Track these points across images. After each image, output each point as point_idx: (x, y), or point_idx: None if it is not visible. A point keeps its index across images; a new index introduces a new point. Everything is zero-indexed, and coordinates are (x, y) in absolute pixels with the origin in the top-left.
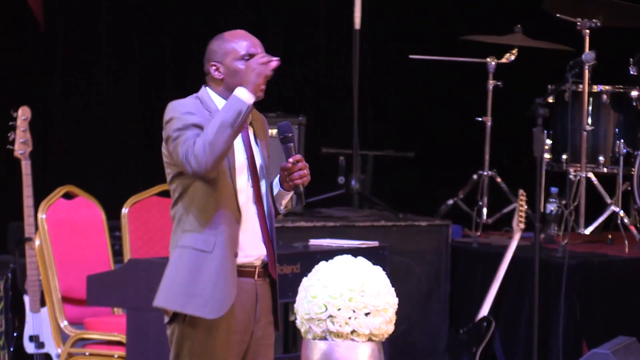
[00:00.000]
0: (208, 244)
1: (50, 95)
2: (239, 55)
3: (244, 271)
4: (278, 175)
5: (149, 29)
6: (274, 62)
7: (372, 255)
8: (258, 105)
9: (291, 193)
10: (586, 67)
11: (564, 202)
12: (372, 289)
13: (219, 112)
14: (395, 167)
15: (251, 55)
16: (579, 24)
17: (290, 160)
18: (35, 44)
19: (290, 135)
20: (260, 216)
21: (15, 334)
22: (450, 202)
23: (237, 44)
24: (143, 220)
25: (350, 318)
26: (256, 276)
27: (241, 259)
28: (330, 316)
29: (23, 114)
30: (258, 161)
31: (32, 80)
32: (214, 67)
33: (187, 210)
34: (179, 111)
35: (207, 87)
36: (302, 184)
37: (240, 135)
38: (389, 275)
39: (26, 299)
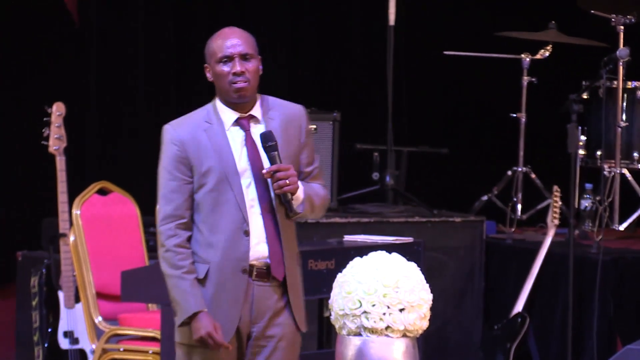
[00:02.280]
0: (201, 271)
1: (85, 91)
2: (217, 57)
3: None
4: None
5: (185, 25)
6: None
7: (406, 251)
8: (291, 99)
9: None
10: (620, 63)
11: (598, 198)
12: (407, 285)
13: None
14: (429, 163)
15: (229, 57)
16: (613, 20)
17: (264, 171)
18: (70, 41)
19: (272, 144)
20: (264, 217)
21: (49, 330)
22: (485, 198)
23: (218, 46)
24: None
25: (384, 314)
26: (254, 276)
27: (250, 259)
28: (365, 312)
29: (57, 110)
30: (266, 162)
31: (67, 76)
32: (206, 69)
33: (196, 224)
34: (163, 162)
35: (217, 97)
36: (288, 193)
37: (242, 138)
38: (423, 271)
39: (60, 294)
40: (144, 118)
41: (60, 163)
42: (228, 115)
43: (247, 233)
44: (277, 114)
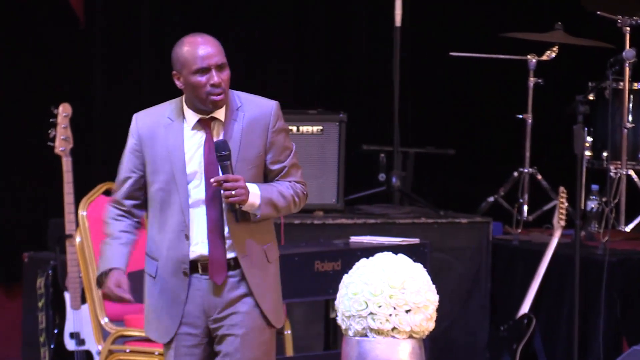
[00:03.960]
0: (152, 267)
1: (91, 92)
2: (193, 69)
3: (191, 267)
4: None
5: (192, 25)
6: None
7: (412, 253)
8: (297, 101)
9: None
10: (627, 64)
11: (604, 199)
12: (413, 286)
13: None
14: (436, 164)
15: (205, 69)
16: (619, 21)
17: (212, 180)
18: (75, 41)
19: (225, 153)
20: (209, 219)
21: (55, 331)
22: (491, 199)
23: (192, 56)
24: None
25: (390, 315)
26: (201, 272)
27: (190, 258)
28: (371, 313)
29: (64, 111)
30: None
31: (73, 77)
32: (175, 76)
33: (149, 220)
34: (125, 149)
35: (184, 98)
36: (236, 203)
37: (201, 139)
38: (430, 273)
39: (67, 295)
40: None
41: (67, 164)
42: (191, 115)
43: (187, 237)
44: (244, 114)
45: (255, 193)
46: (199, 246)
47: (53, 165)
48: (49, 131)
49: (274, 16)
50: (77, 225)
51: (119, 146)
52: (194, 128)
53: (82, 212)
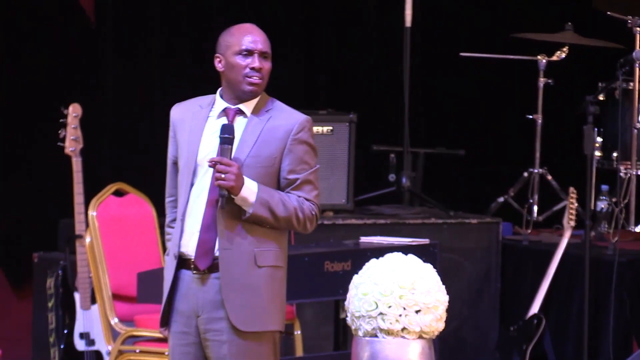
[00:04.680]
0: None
1: (101, 92)
2: (236, 49)
3: (184, 262)
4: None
5: (201, 23)
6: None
7: (422, 253)
8: (307, 101)
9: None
10: (637, 64)
11: (614, 199)
12: (423, 287)
13: None
14: (446, 165)
15: (249, 52)
16: (629, 21)
17: (208, 160)
18: (85, 40)
19: (227, 137)
20: (207, 208)
21: (65, 331)
22: (501, 199)
23: (239, 38)
24: None
25: (400, 315)
26: (192, 268)
27: (182, 250)
28: (381, 313)
29: (74, 111)
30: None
31: (83, 77)
32: (217, 59)
33: None
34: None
35: (219, 89)
36: (224, 188)
37: (219, 129)
38: (440, 273)
39: (76, 296)
40: (161, 118)
41: (77, 164)
42: (219, 104)
43: (183, 220)
44: (270, 117)
45: (251, 189)
46: (193, 236)
47: (63, 165)
48: (59, 131)
49: (284, 16)
50: (87, 225)
51: (129, 146)
52: (219, 116)
53: (92, 213)
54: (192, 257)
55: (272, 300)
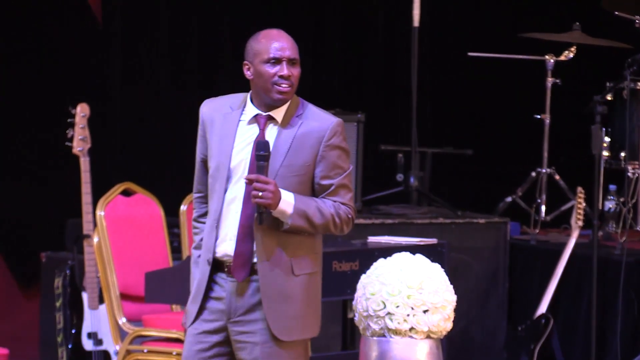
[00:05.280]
0: (200, 253)
1: (109, 92)
2: (264, 58)
3: (219, 265)
4: None
5: (209, 25)
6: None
7: (430, 253)
8: (315, 101)
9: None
10: None
11: (622, 199)
12: (431, 286)
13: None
14: (453, 165)
15: (277, 60)
16: (637, 21)
17: (244, 177)
18: (93, 41)
19: (263, 154)
20: (242, 216)
21: (73, 331)
22: (509, 199)
23: (266, 46)
24: None
25: (408, 315)
26: (227, 272)
27: (217, 255)
28: (389, 313)
29: (82, 111)
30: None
31: (90, 77)
32: (246, 67)
33: None
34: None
35: (251, 92)
36: (262, 205)
37: (253, 134)
38: (447, 273)
39: (84, 296)
40: (168, 119)
41: (85, 164)
42: (250, 109)
43: (217, 227)
44: (302, 122)
45: (288, 202)
46: (226, 243)
47: (71, 165)
48: (67, 131)
49: (292, 17)
50: (95, 225)
51: (137, 146)
52: (250, 122)
53: (99, 212)
54: (226, 262)
55: (308, 307)
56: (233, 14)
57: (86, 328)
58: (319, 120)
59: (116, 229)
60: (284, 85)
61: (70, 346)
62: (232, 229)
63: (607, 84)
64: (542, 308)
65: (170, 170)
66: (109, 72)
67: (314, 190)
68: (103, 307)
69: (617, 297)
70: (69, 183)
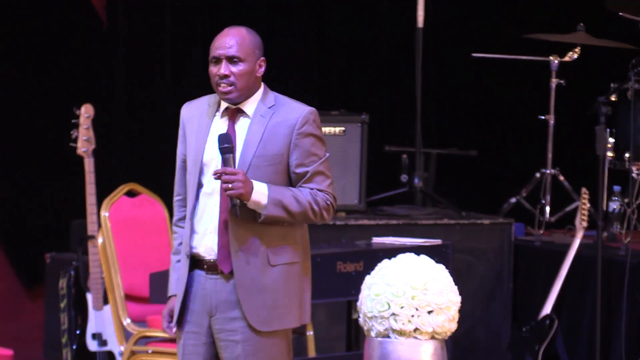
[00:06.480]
0: (177, 260)
1: (113, 93)
2: (209, 57)
3: (196, 262)
4: None
5: (214, 26)
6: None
7: (434, 253)
8: (320, 102)
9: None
10: None
11: (626, 200)
12: (435, 287)
13: None
14: (458, 165)
15: (217, 59)
16: None
17: (212, 172)
18: (98, 42)
19: (227, 146)
20: (221, 209)
21: (78, 332)
22: (513, 200)
23: (212, 45)
24: None
25: (413, 316)
26: (205, 269)
27: (194, 250)
28: (393, 314)
29: (86, 112)
30: (237, 154)
31: (95, 78)
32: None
33: None
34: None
35: None
36: (235, 197)
37: (225, 129)
38: (452, 273)
39: (89, 296)
40: (172, 119)
41: (89, 165)
42: (224, 104)
43: (192, 221)
44: (274, 113)
45: (262, 192)
46: (207, 237)
47: (75, 166)
48: (71, 132)
49: (296, 17)
50: (100, 226)
51: (142, 147)
52: (222, 116)
53: (104, 213)
54: (205, 258)
55: (287, 297)
56: (237, 16)
57: (91, 329)
58: (291, 110)
59: (121, 229)
60: (222, 85)
61: (74, 347)
62: (212, 223)
63: (612, 85)
64: (547, 309)
65: (174, 171)
66: (113, 72)
67: (291, 180)
68: (107, 308)
69: (622, 298)
70: (73, 184)
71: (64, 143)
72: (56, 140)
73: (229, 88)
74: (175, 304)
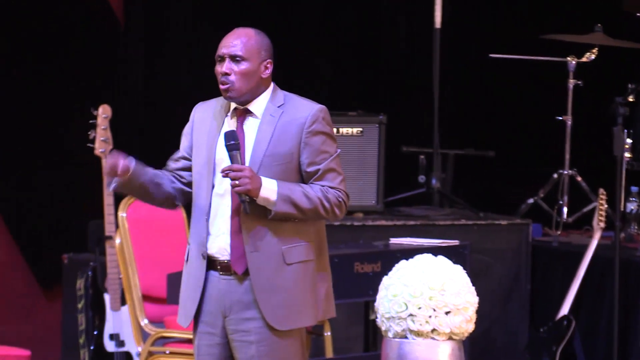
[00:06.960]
0: (188, 251)
1: (131, 93)
2: (215, 56)
3: (211, 263)
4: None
5: (228, 27)
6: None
7: (452, 254)
8: (337, 102)
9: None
10: None
11: None
12: (453, 288)
13: None
14: (475, 166)
15: (221, 58)
16: None
17: (220, 171)
18: (115, 43)
19: (233, 143)
20: (232, 209)
21: (95, 333)
22: (531, 200)
23: (219, 45)
24: None
25: (430, 317)
26: (219, 270)
27: (209, 252)
28: (411, 315)
29: (104, 112)
30: (248, 154)
31: (112, 78)
32: None
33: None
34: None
35: None
36: (243, 193)
37: (234, 129)
38: (469, 274)
39: (106, 297)
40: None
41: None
42: (232, 105)
43: (208, 222)
44: (283, 112)
45: (271, 188)
46: (220, 238)
47: (93, 166)
48: (89, 132)
49: (312, 17)
50: (117, 226)
51: (159, 147)
52: (232, 117)
53: (122, 214)
54: (218, 259)
55: (303, 295)
56: (253, 15)
57: (108, 329)
58: (300, 109)
59: (138, 230)
60: (222, 83)
61: (92, 347)
62: (225, 224)
63: (629, 86)
64: (564, 309)
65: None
66: (130, 73)
67: (303, 178)
68: (125, 309)
69: (639, 299)
70: (91, 184)
71: (82, 144)
72: (74, 140)
73: (227, 86)
74: (185, 298)
